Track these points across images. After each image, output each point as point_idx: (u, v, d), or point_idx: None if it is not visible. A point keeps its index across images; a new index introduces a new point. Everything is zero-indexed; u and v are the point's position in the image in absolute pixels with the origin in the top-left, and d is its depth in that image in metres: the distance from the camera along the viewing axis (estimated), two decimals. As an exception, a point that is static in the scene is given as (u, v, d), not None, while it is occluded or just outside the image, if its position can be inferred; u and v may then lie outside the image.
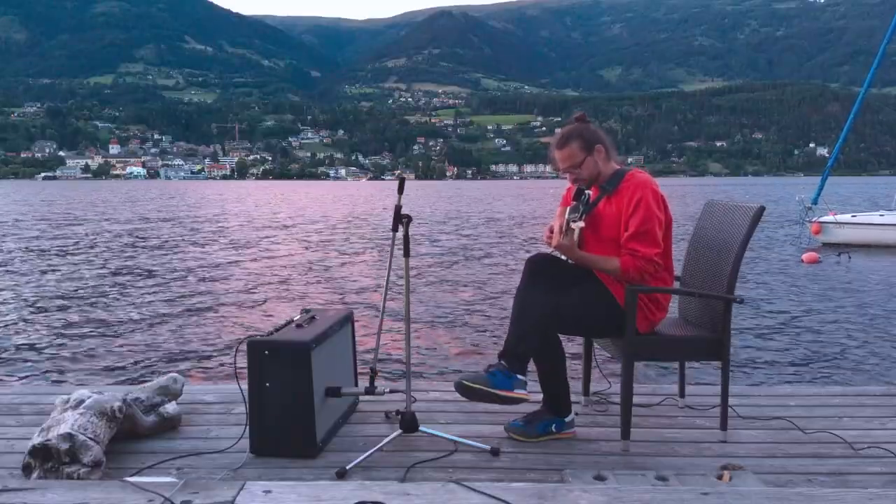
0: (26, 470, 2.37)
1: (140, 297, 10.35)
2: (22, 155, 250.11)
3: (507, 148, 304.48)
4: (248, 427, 2.70)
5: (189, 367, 6.52)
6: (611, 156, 2.89)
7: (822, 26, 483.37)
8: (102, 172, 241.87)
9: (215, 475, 2.50)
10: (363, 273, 13.24)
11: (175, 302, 10.02)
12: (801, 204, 18.81)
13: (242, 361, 2.70)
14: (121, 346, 7.41)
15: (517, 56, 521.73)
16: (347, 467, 2.53)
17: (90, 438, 2.43)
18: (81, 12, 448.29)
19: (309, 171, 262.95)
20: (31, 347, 7.34)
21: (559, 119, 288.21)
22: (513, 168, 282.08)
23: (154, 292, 10.85)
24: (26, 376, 6.28)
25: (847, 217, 18.58)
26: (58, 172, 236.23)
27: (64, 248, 17.75)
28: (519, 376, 2.69)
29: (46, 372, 6.42)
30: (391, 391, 3.03)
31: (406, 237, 2.80)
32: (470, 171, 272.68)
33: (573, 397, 2.95)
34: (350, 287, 11.49)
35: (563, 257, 2.83)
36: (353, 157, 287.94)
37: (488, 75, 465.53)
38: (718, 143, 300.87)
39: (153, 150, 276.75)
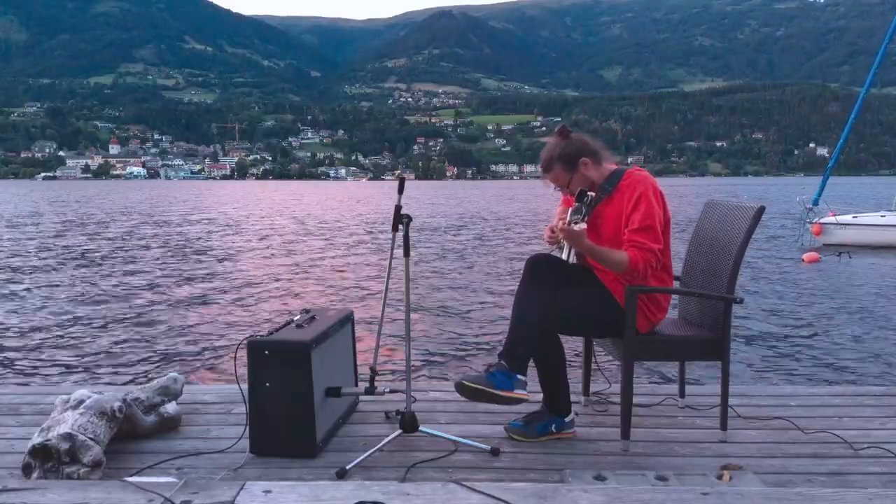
0: (26, 470, 2.37)
1: (140, 298, 10.36)
2: (22, 155, 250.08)
3: (507, 148, 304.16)
4: (248, 427, 2.70)
5: (189, 367, 6.52)
6: (602, 159, 2.87)
7: (822, 26, 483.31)
8: (102, 172, 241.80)
9: (215, 475, 2.50)
10: (363, 273, 13.24)
11: (175, 302, 10.02)
12: (801, 204, 18.80)
13: (242, 361, 2.70)
14: (121, 346, 7.41)
15: (517, 56, 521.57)
16: (347, 467, 2.53)
17: (90, 438, 2.43)
18: (81, 12, 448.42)
19: (309, 171, 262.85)
20: (32, 347, 7.35)
21: (559, 119, 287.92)
22: (513, 168, 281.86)
23: (154, 293, 10.85)
24: (26, 376, 6.28)
25: (848, 218, 18.56)
26: (58, 172, 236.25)
27: (64, 249, 17.75)
28: (519, 376, 2.69)
29: (46, 372, 6.42)
30: (391, 391, 3.03)
31: (406, 237, 2.80)
32: (470, 171, 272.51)
33: (573, 397, 2.95)
34: (350, 287, 11.50)
35: (565, 256, 2.81)
36: (353, 157, 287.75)
37: (488, 75, 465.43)
38: (718, 143, 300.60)
39: (153, 150, 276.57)
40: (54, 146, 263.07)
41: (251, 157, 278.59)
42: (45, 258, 15.59)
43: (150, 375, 6.11)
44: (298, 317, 3.01)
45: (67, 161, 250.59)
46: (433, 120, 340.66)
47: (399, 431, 2.80)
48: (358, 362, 3.31)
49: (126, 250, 17.30)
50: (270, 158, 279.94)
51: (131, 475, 2.36)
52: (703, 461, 2.64)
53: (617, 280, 2.81)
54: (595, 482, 2.40)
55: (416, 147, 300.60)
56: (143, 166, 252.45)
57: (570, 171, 2.84)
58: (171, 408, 2.97)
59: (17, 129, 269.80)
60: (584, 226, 2.65)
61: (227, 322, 8.68)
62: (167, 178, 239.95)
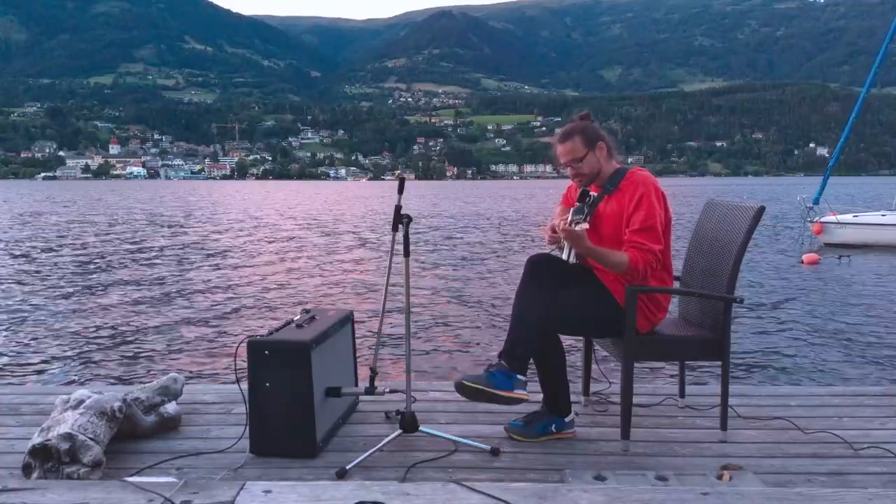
0: (26, 470, 2.37)
1: (140, 298, 10.35)
2: (22, 155, 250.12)
3: (507, 148, 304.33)
4: (248, 427, 2.70)
5: (189, 368, 6.52)
6: (612, 155, 2.90)
7: (822, 26, 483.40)
8: (102, 172, 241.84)
9: (215, 475, 2.50)
10: (363, 273, 13.23)
11: (175, 302, 10.02)
12: (802, 204, 18.79)
13: (242, 361, 2.70)
14: (121, 346, 7.41)
15: (517, 56, 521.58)
16: (347, 467, 2.54)
17: (90, 438, 2.43)
18: (81, 12, 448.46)
19: (309, 171, 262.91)
20: (32, 348, 7.34)
21: (559, 119, 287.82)
22: (513, 168, 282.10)
23: (154, 293, 10.85)
24: (26, 376, 6.28)
25: (848, 217, 18.54)
26: (58, 172, 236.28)
27: (63, 250, 17.75)
28: (519, 376, 2.69)
29: (46, 372, 6.42)
30: (391, 391, 3.03)
31: (406, 237, 2.80)
32: (470, 171, 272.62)
33: (573, 397, 2.95)
34: (350, 287, 11.49)
35: (565, 256, 2.82)
36: (353, 157, 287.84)
37: (488, 75, 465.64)
38: (718, 143, 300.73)
39: (153, 150, 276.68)
40: (54, 146, 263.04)
41: (251, 157, 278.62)
42: (45, 259, 15.59)
43: (150, 375, 6.11)
44: (298, 317, 3.01)
45: (67, 161, 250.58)
46: (433, 120, 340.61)
47: (399, 431, 2.80)
48: (358, 362, 3.31)
49: (126, 250, 17.30)
50: (270, 158, 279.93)
51: (131, 475, 2.36)
52: (703, 461, 2.64)
53: (617, 280, 2.81)
54: (595, 482, 2.40)
55: (416, 147, 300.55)
56: (143, 166, 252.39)
57: (587, 147, 2.86)
58: (171, 408, 2.97)
59: (17, 129, 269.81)
60: (585, 226, 2.65)
61: (227, 322, 8.68)
62: (167, 178, 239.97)
